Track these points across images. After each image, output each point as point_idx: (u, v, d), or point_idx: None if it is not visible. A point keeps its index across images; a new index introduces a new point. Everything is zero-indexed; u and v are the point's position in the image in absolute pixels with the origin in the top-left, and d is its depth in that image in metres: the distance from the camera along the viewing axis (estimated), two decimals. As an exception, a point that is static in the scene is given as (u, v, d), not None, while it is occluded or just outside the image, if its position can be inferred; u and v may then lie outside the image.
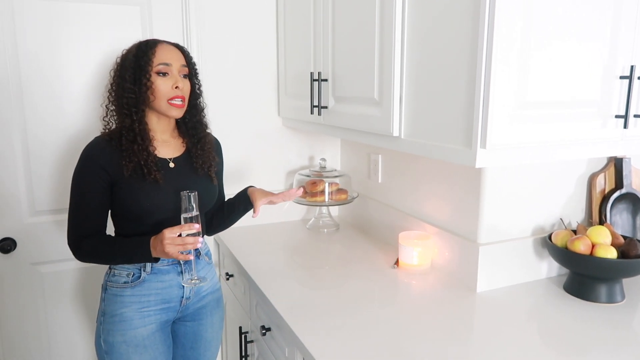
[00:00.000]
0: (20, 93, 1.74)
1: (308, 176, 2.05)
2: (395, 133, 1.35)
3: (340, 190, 2.03)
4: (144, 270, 1.33)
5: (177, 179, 1.34)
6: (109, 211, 1.33)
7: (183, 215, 1.24)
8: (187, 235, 1.21)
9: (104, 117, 1.34)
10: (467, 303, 1.38)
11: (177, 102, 1.30)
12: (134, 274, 1.33)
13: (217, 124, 2.03)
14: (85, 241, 1.29)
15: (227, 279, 1.95)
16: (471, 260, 1.47)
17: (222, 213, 1.52)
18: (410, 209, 1.79)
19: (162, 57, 1.27)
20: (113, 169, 1.26)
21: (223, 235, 2.00)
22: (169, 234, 1.20)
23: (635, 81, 1.23)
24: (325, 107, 1.69)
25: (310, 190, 2.01)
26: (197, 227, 1.23)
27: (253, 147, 2.12)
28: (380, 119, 1.39)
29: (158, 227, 1.25)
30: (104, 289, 1.36)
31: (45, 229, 1.83)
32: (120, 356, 1.31)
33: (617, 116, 1.25)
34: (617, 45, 1.21)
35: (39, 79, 1.75)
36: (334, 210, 2.28)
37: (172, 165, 1.34)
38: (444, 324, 1.27)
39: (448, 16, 1.14)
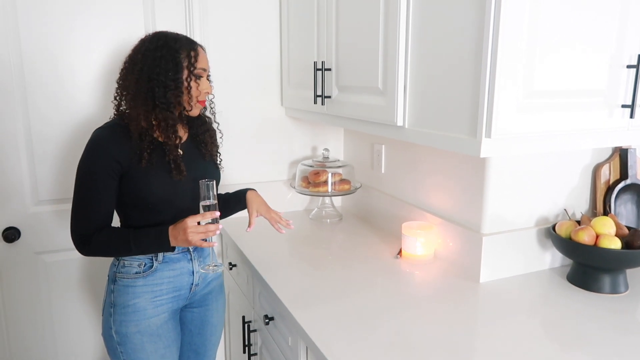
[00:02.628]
0: (23, 83, 1.73)
1: (311, 166, 2.04)
2: (400, 123, 1.34)
3: (343, 181, 2.03)
4: (156, 260, 1.33)
5: (189, 165, 1.35)
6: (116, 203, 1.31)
7: (202, 203, 1.27)
8: (208, 223, 1.25)
9: (116, 103, 1.31)
10: (471, 293, 1.38)
11: (203, 103, 1.35)
12: (145, 264, 1.32)
13: (220, 113, 2.02)
14: (95, 235, 1.26)
15: (230, 269, 1.95)
16: (474, 250, 1.46)
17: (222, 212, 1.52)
18: (413, 199, 1.79)
19: (202, 62, 1.30)
20: (125, 158, 1.24)
21: (226, 225, 2.00)
22: (192, 222, 1.23)
23: (643, 70, 1.22)
24: (329, 97, 1.68)
25: (314, 180, 2.01)
26: (217, 214, 1.26)
27: (256, 136, 2.12)
28: (384, 109, 1.38)
29: (178, 216, 1.27)
30: (113, 280, 1.34)
31: (49, 218, 1.84)
32: (134, 346, 1.31)
33: (623, 106, 1.24)
34: (624, 34, 1.19)
35: (42, 69, 1.75)
36: (337, 201, 2.28)
37: (180, 152, 1.35)
38: (447, 314, 1.27)
39: (454, 3, 1.13)
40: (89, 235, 1.26)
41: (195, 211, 1.30)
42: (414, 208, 1.76)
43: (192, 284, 1.39)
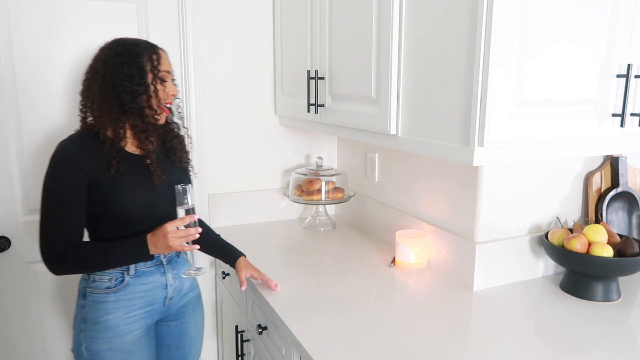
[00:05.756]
0: (14, 91, 1.72)
1: (305, 175, 2.04)
2: (393, 131, 1.35)
3: (336, 189, 2.03)
4: (128, 274, 1.29)
5: (163, 173, 1.33)
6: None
7: (179, 208, 1.26)
8: (187, 226, 1.25)
9: (83, 114, 1.29)
10: (464, 301, 1.38)
11: (167, 107, 1.32)
12: (116, 278, 1.28)
13: (213, 122, 2.02)
14: (69, 251, 1.22)
15: (223, 278, 1.94)
16: (468, 258, 1.47)
17: (204, 244, 1.51)
18: (407, 207, 1.79)
19: (165, 65, 1.28)
20: (92, 169, 1.21)
21: (219, 233, 1.98)
22: (171, 227, 1.22)
23: (632, 80, 1.24)
24: (322, 105, 1.68)
25: (307, 188, 2.01)
26: (196, 217, 1.26)
27: (249, 145, 2.11)
28: (378, 117, 1.39)
29: (150, 226, 1.26)
30: (82, 295, 1.29)
31: (40, 227, 1.82)
32: None
33: (614, 114, 1.25)
34: (614, 44, 1.21)
35: (34, 77, 1.74)
36: (331, 209, 2.28)
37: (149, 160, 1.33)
38: (441, 322, 1.26)
39: (446, 14, 1.14)
40: (61, 252, 1.21)
41: (169, 219, 1.27)
42: (408, 216, 1.76)
43: (166, 297, 1.36)
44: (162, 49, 1.31)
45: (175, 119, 1.44)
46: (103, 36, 1.78)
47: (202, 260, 2.00)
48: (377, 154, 1.96)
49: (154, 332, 1.41)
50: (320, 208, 2.14)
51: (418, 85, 1.25)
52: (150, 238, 1.24)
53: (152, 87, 1.25)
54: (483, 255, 1.45)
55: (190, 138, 1.49)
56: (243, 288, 1.46)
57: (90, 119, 1.28)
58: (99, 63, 1.24)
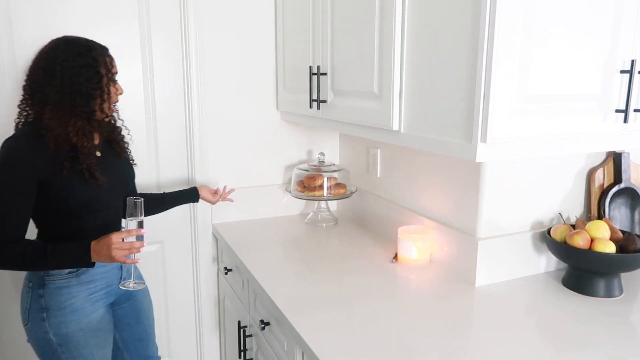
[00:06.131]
0: (16, 88, 1.72)
1: (307, 170, 2.04)
2: (395, 127, 1.34)
3: (338, 185, 2.03)
4: None
5: (110, 166, 1.38)
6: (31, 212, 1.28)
7: (128, 220, 1.29)
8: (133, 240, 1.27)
9: (25, 112, 1.29)
10: (466, 297, 1.38)
11: (115, 106, 1.39)
12: None
13: (215, 118, 2.02)
14: (8, 247, 1.22)
15: (226, 274, 1.94)
16: (470, 254, 1.47)
17: (161, 205, 1.70)
18: (409, 203, 1.79)
19: (115, 66, 1.34)
20: (44, 168, 1.23)
21: (221, 229, 1.99)
22: (116, 238, 1.24)
23: (636, 75, 1.23)
24: (324, 101, 1.68)
25: (309, 184, 2.01)
26: (143, 231, 1.29)
27: (251, 141, 2.11)
28: (380, 113, 1.38)
29: (99, 221, 1.34)
30: (39, 285, 1.31)
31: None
32: (77, 344, 1.33)
33: (617, 110, 1.24)
34: (618, 40, 1.20)
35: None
36: (333, 205, 2.28)
37: (99, 154, 1.37)
38: (443, 318, 1.27)
39: (449, 9, 1.13)
40: (1, 247, 1.22)
41: (118, 218, 1.38)
42: (410, 212, 1.76)
43: (121, 277, 1.46)
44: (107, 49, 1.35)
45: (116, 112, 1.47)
46: (105, 33, 1.80)
47: (147, 272, 2.01)
48: (379, 150, 1.95)
49: (113, 317, 1.49)
50: (322, 204, 2.14)
51: (420, 81, 1.25)
52: (94, 246, 1.25)
53: (106, 90, 1.30)
54: (485, 251, 1.45)
55: (128, 129, 1.54)
56: (229, 190, 1.87)
57: (31, 117, 1.29)
58: (55, 66, 1.23)
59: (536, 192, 1.53)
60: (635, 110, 1.25)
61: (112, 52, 1.36)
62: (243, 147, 2.10)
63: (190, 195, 1.77)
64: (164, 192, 1.75)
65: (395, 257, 1.67)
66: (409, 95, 1.29)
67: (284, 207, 2.21)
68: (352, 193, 2.06)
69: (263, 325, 1.50)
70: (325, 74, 1.66)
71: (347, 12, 1.51)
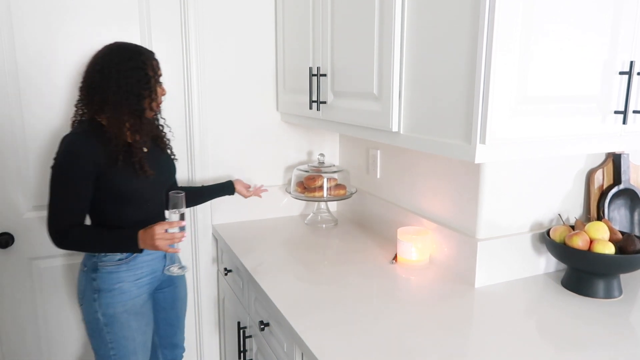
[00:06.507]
0: (18, 88, 1.73)
1: (306, 171, 2.04)
2: (395, 128, 1.35)
3: (338, 186, 2.03)
4: None
5: (155, 160, 1.51)
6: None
7: (171, 212, 1.41)
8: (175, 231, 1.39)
9: (81, 110, 1.43)
10: (466, 298, 1.38)
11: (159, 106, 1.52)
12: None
13: (215, 119, 2.03)
14: (72, 230, 1.37)
15: (226, 274, 1.95)
16: (470, 255, 1.47)
17: (200, 197, 1.84)
18: (408, 204, 1.79)
19: (160, 69, 1.47)
20: (100, 162, 1.36)
21: (221, 230, 1.99)
22: (160, 229, 1.36)
23: (635, 77, 1.23)
24: (324, 102, 1.68)
25: (309, 185, 2.01)
26: (184, 223, 1.41)
27: (251, 142, 2.12)
28: (380, 114, 1.39)
29: (150, 209, 1.49)
30: (93, 269, 1.45)
31: (44, 223, 1.83)
32: (121, 325, 1.45)
33: (616, 112, 1.25)
34: (617, 41, 1.21)
35: (37, 74, 1.74)
36: (333, 206, 2.28)
37: (145, 149, 1.49)
38: (443, 319, 1.27)
39: (448, 10, 1.14)
40: (65, 232, 1.37)
41: (161, 209, 1.54)
42: (410, 213, 1.76)
43: (164, 265, 1.57)
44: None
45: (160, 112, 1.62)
46: (105, 34, 1.80)
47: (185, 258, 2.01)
48: (379, 151, 1.96)
49: (153, 305, 1.62)
50: (322, 205, 2.14)
51: (420, 81, 1.25)
52: (141, 234, 1.38)
53: (154, 90, 1.43)
54: (485, 252, 1.45)
55: (170, 127, 1.69)
56: (261, 186, 1.96)
57: (86, 116, 1.43)
58: (110, 69, 1.37)
59: (535, 193, 1.53)
60: (634, 112, 1.25)
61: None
62: (243, 148, 2.10)
63: (227, 188, 1.87)
64: (203, 185, 1.87)
65: (395, 258, 1.67)
66: (409, 96, 1.30)
67: (284, 208, 2.21)
68: (352, 194, 2.06)
69: (263, 326, 1.50)
70: (325, 75, 1.67)
71: (347, 13, 1.51)
